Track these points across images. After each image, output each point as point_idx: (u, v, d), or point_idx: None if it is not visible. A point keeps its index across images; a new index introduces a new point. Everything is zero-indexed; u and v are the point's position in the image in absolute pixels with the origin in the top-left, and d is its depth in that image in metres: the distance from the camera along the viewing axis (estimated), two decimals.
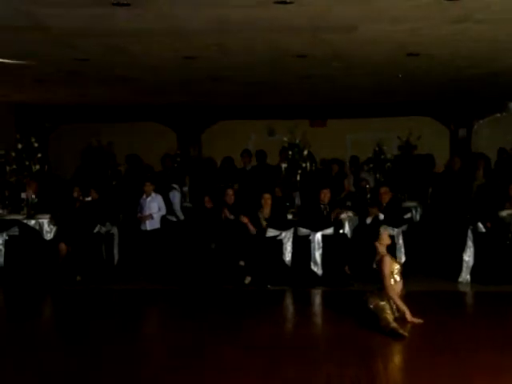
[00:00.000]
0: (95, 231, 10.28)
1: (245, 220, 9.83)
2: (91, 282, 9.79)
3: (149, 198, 10.43)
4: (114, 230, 10.69)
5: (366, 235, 9.99)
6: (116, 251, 10.68)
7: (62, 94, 12.70)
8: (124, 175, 12.76)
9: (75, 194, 10.37)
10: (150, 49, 8.73)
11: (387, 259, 7.58)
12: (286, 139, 11.23)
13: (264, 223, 9.87)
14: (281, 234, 9.87)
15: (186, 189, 11.89)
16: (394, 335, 6.74)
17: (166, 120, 14.75)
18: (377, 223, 10.04)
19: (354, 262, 9.89)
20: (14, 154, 11.07)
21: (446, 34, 8.14)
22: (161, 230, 10.45)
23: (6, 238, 10.15)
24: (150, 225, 10.36)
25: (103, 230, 10.43)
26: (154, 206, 10.41)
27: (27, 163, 10.94)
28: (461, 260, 9.74)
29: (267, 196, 10.09)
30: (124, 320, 7.83)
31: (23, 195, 10.43)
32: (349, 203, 10.82)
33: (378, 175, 11.91)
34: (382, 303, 7.30)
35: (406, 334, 6.79)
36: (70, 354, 6.31)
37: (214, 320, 7.78)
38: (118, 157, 13.22)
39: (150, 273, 10.09)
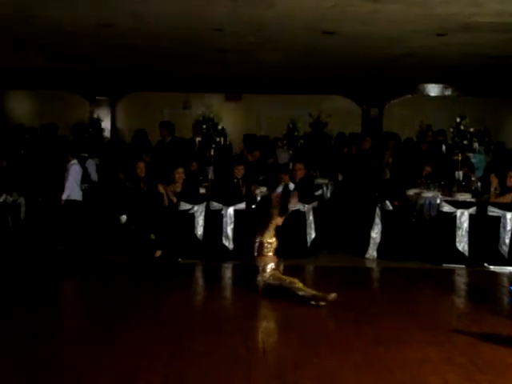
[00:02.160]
0: (1, 201, 10.00)
1: (162, 190, 9.76)
2: None
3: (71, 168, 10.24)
4: (21, 201, 10.41)
5: None
6: (23, 222, 10.41)
7: None
8: (36, 144, 12.39)
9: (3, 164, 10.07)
10: (64, 14, 8.49)
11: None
12: (200, 113, 11.18)
13: (174, 199, 9.81)
14: (193, 207, 9.85)
15: (95, 160, 11.65)
16: (318, 299, 7.00)
17: (80, 89, 14.38)
18: (287, 193, 10.18)
19: None
20: None
21: (361, 13, 8.27)
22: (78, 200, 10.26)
23: None
24: (66, 195, 10.15)
25: (9, 199, 10.15)
26: (73, 175, 10.23)
27: None
28: (368, 237, 10.00)
29: (180, 170, 10.04)
30: (31, 291, 7.65)
31: None
32: (261, 178, 10.91)
33: (291, 152, 12.03)
34: (282, 277, 7.44)
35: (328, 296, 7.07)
36: None
37: (123, 293, 7.72)
38: (27, 125, 12.85)
39: (66, 243, 9.93)
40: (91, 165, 10.99)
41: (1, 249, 9.76)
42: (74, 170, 10.13)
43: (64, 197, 10.02)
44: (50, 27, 9.30)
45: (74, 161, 10.18)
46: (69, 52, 11.37)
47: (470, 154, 11.12)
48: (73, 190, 10.08)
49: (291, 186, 10.25)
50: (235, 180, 10.10)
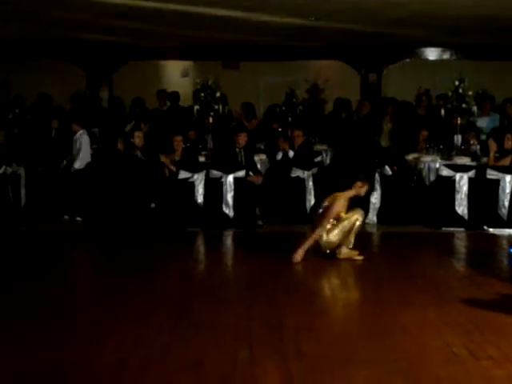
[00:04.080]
0: (0, 172, 10.03)
1: (163, 159, 9.77)
2: None
3: (75, 137, 10.25)
4: (21, 171, 10.43)
5: (277, 174, 10.19)
6: (23, 193, 10.44)
7: None
8: (32, 115, 12.35)
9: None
10: None
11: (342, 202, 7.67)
12: (198, 81, 11.13)
13: (174, 168, 9.82)
14: (193, 176, 9.87)
15: (95, 130, 11.65)
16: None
17: (75, 59, 14.28)
18: (286, 160, 10.21)
19: (265, 203, 10.02)
20: None
21: None
22: (87, 169, 10.30)
23: None
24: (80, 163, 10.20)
25: (9, 170, 10.18)
26: (80, 144, 10.25)
27: None
28: (368, 202, 10.03)
29: (179, 138, 10.04)
30: (35, 262, 7.70)
31: None
32: (261, 146, 10.92)
33: (290, 118, 11.99)
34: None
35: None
36: None
37: (125, 261, 7.76)
38: (25, 96, 12.79)
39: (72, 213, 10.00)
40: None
41: (2, 220, 9.81)
42: (85, 140, 10.20)
43: (77, 166, 10.09)
44: None
45: (82, 130, 10.25)
46: (62, 21, 11.27)
47: (478, 119, 11.11)
48: (86, 159, 10.17)
49: (291, 153, 10.27)
50: (237, 149, 10.07)
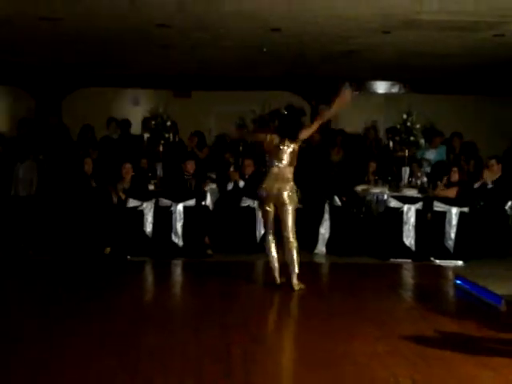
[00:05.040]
0: None
1: (111, 188, 9.68)
2: None
3: (22, 164, 10.13)
4: None
5: (227, 203, 10.19)
6: None
7: None
8: None
9: None
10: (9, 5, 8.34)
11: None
12: (148, 109, 11.10)
13: (123, 195, 9.74)
14: (142, 204, 9.78)
15: (41, 157, 11.46)
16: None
17: (24, 84, 14.10)
18: (237, 190, 10.22)
19: (214, 232, 9.99)
20: None
21: (307, 10, 8.32)
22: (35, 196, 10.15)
23: None
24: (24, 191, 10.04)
25: None
26: (27, 172, 10.12)
27: None
28: (317, 232, 10.08)
29: (128, 166, 9.97)
30: None
31: None
32: (212, 175, 10.90)
33: (241, 148, 12.01)
34: None
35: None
36: None
37: (72, 289, 7.62)
38: None
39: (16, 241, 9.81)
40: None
41: None
42: (30, 167, 10.07)
43: (21, 193, 9.96)
44: None
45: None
46: (10, 46, 11.14)
47: (426, 151, 11.31)
48: (31, 186, 10.04)
49: (241, 183, 10.28)
50: (186, 176, 10.06)
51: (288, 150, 7.68)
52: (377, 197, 10.12)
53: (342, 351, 5.42)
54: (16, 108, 13.37)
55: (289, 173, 7.68)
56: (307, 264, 9.45)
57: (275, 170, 7.68)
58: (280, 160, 7.67)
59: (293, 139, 7.68)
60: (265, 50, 10.80)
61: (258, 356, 5.28)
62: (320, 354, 5.38)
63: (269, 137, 7.74)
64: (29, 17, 8.83)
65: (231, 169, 10.54)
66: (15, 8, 8.42)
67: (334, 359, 5.24)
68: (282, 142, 7.69)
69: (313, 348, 5.56)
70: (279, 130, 7.80)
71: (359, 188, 10.48)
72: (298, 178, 11.04)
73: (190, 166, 10.10)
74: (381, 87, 14.72)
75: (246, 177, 10.35)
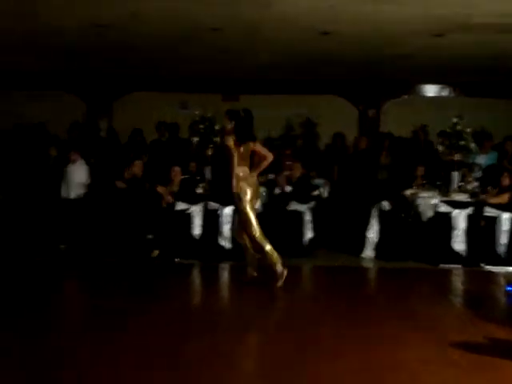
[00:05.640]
0: None
1: (160, 190, 9.77)
2: None
3: (72, 167, 10.24)
4: None
5: (274, 207, 10.19)
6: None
7: None
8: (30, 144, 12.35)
9: None
10: (60, 14, 8.49)
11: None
12: (197, 113, 11.17)
13: (171, 198, 9.82)
14: (190, 207, 9.85)
15: (92, 160, 11.65)
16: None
17: (75, 89, 14.35)
18: (284, 195, 10.22)
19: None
20: None
21: (358, 14, 8.28)
22: (84, 198, 10.31)
23: None
24: (73, 193, 10.18)
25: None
26: (78, 175, 10.24)
27: None
28: (364, 237, 10.03)
29: (177, 169, 10.06)
30: (32, 293, 7.65)
31: None
32: (262, 178, 10.89)
33: (287, 152, 12.00)
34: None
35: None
36: None
37: (120, 292, 7.71)
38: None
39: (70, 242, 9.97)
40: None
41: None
42: (83, 169, 10.22)
43: (73, 195, 10.10)
44: (45, 28, 9.29)
45: (81, 160, 10.31)
46: (64, 52, 11.36)
47: (477, 156, 11.15)
48: (82, 189, 10.19)
49: (288, 188, 10.25)
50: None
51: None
52: (426, 201, 9.98)
53: (392, 358, 5.36)
54: (68, 112, 13.58)
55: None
56: (354, 269, 9.44)
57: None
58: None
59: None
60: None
61: (308, 360, 5.24)
62: (371, 360, 5.32)
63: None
64: (82, 23, 8.99)
65: (286, 172, 10.48)
66: (70, 16, 8.58)
67: (383, 365, 5.19)
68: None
69: (363, 354, 5.49)
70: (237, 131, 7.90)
71: (408, 192, 10.38)
72: (345, 182, 11.04)
73: None
74: (430, 90, 14.55)
75: (294, 181, 10.34)
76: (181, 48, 10.77)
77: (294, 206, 10.12)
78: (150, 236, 9.67)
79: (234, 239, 9.75)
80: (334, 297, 7.50)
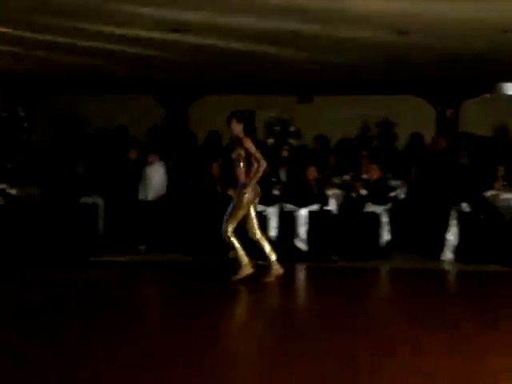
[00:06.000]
0: (81, 202, 10.32)
1: (232, 193, 9.84)
2: (76, 253, 9.82)
3: (151, 168, 10.46)
4: (100, 202, 10.69)
5: (351, 209, 10.14)
6: (101, 222, 10.68)
7: (49, 64, 12.56)
8: (110, 147, 12.67)
9: (80, 170, 10.42)
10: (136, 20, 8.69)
11: None
12: (273, 114, 11.23)
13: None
14: (266, 209, 9.90)
15: (170, 163, 11.85)
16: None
17: (154, 93, 14.63)
18: (361, 199, 10.14)
19: (339, 238, 9.96)
20: None
21: (436, 12, 8.15)
22: (162, 200, 10.51)
23: None
24: (154, 194, 10.38)
25: (89, 201, 10.46)
26: (156, 176, 10.45)
27: (13, 133, 10.88)
28: (444, 239, 9.84)
29: None
30: (117, 291, 7.83)
31: (8, 164, 10.40)
32: (336, 180, 10.87)
33: (363, 153, 11.92)
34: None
35: None
36: (54, 329, 6.28)
37: (194, 292, 7.81)
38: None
39: (149, 243, 10.17)
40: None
41: (80, 248, 10.03)
42: (161, 171, 10.43)
43: (151, 197, 10.30)
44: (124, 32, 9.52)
45: (159, 162, 10.52)
46: (146, 60, 11.61)
47: None
48: (161, 190, 10.38)
49: (363, 192, 10.15)
50: (309, 182, 10.09)
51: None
52: (508, 203, 9.73)
53: (472, 366, 5.13)
54: (147, 116, 13.86)
55: None
56: (433, 271, 9.28)
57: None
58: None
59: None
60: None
61: (386, 365, 5.16)
62: (448, 368, 5.14)
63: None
64: (160, 29, 9.16)
65: (363, 175, 10.41)
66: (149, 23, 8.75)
67: (464, 374, 5.00)
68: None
69: (440, 361, 5.34)
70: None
71: (489, 193, 10.13)
72: (424, 183, 10.85)
73: (310, 173, 10.13)
74: (511, 88, 14.16)
75: (372, 182, 10.24)
76: (255, 50, 10.85)
77: (371, 207, 10.04)
78: None
79: (310, 241, 9.76)
80: (412, 300, 7.38)
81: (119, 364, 4.99)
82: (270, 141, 11.31)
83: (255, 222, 8.15)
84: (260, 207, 9.84)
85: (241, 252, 8.01)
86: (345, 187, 10.49)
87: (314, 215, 9.83)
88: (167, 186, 10.77)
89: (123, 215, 10.63)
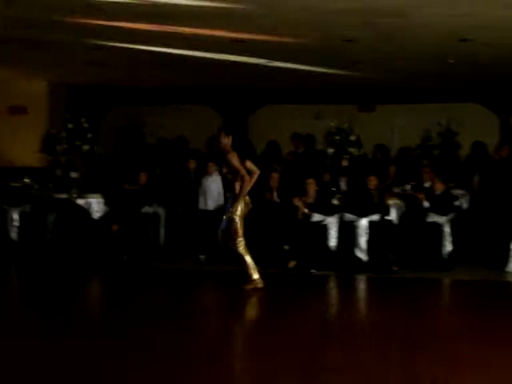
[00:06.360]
0: (142, 212, 10.47)
1: (297, 203, 9.84)
2: (138, 261, 9.96)
3: (210, 178, 10.58)
4: (161, 211, 10.83)
5: (412, 218, 10.00)
6: (162, 232, 10.81)
7: (113, 76, 12.85)
8: (170, 157, 12.82)
9: (142, 179, 10.60)
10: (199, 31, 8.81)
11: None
12: (333, 124, 11.18)
13: (307, 210, 9.86)
14: (326, 219, 9.86)
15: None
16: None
17: (213, 103, 14.78)
18: (422, 210, 9.99)
19: (400, 248, 9.83)
20: (64, 134, 11.27)
21: (499, 19, 8.01)
22: (222, 209, 10.58)
23: (56, 216, 10.36)
24: (214, 204, 10.50)
25: (150, 210, 10.60)
26: (215, 186, 10.56)
27: (77, 143, 11.12)
28: (508, 249, 9.62)
29: (310, 181, 10.09)
30: (172, 298, 7.92)
31: (73, 175, 10.62)
32: (397, 190, 10.74)
33: (425, 162, 11.76)
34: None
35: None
36: (118, 334, 6.37)
37: (257, 303, 7.82)
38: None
39: (209, 252, 10.27)
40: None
41: (142, 257, 10.17)
42: (219, 181, 10.53)
43: (210, 207, 10.41)
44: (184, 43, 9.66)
45: (218, 172, 10.64)
46: (204, 69, 11.75)
47: None
48: (218, 201, 10.47)
49: (426, 204, 9.99)
50: (370, 191, 10.01)
51: None
52: None
53: None
54: (207, 126, 13.99)
55: None
56: (497, 283, 9.06)
57: None
58: None
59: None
60: (451, 61, 10.51)
61: (450, 381, 5.05)
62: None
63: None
64: (220, 39, 9.27)
65: (426, 184, 10.23)
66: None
67: None
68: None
69: (506, 376, 5.21)
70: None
71: None
72: (486, 192, 10.60)
73: (372, 182, 10.05)
74: None
75: (435, 195, 10.07)
76: (314, 60, 10.86)
77: (433, 217, 9.88)
78: (287, 247, 9.76)
79: (370, 251, 9.67)
80: (475, 312, 7.22)
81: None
82: (330, 150, 11.25)
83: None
84: (319, 217, 9.82)
85: (252, 265, 8.18)
86: (406, 197, 10.36)
87: (374, 225, 9.74)
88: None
89: (184, 225, 10.74)
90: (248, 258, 8.19)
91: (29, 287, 8.84)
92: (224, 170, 8.47)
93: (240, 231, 8.16)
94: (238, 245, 8.17)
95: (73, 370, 5.06)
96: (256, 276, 8.18)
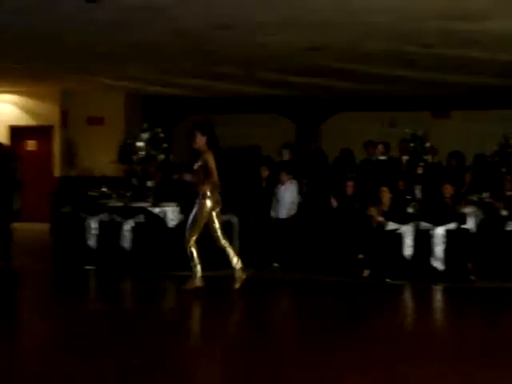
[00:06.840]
0: None
1: (372, 212, 9.75)
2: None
3: (283, 187, 10.61)
4: (234, 220, 10.90)
5: (490, 227, 9.76)
6: (236, 240, 10.86)
7: (187, 86, 13.06)
8: (242, 165, 12.89)
9: None
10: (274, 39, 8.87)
11: None
12: (407, 131, 11.05)
13: (382, 218, 9.76)
14: (400, 227, 9.73)
15: (304, 181, 11.89)
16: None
17: (286, 111, 14.83)
18: (500, 219, 9.74)
19: (477, 258, 9.60)
20: (140, 144, 11.47)
21: None
22: (295, 218, 10.62)
23: (133, 224, 10.56)
24: (286, 213, 10.53)
25: (224, 219, 10.66)
26: (288, 195, 10.58)
27: (153, 153, 11.31)
28: None
29: (384, 189, 9.98)
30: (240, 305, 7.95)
31: (149, 183, 10.82)
32: (474, 198, 10.50)
33: (503, 169, 11.47)
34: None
35: None
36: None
37: (331, 312, 7.78)
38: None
39: (282, 261, 10.30)
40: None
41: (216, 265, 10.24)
42: (293, 190, 10.55)
43: (283, 215, 10.43)
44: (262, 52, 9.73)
45: (291, 180, 10.66)
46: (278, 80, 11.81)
47: None
48: (292, 209, 10.49)
49: (504, 212, 9.73)
50: (446, 199, 9.83)
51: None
52: None
53: None
54: (280, 134, 14.06)
55: None
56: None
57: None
58: None
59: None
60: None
61: None
62: None
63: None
64: (297, 47, 9.30)
65: (508, 193, 9.97)
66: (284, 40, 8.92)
67: None
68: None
69: None
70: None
71: None
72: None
73: (447, 190, 9.88)
74: None
75: None
76: (389, 68, 10.77)
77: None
78: (361, 256, 9.67)
79: (447, 260, 9.49)
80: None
81: None
82: (405, 158, 11.10)
83: (219, 230, 8.47)
84: (394, 225, 9.70)
85: (197, 265, 8.30)
86: (483, 205, 10.11)
87: (451, 234, 9.55)
88: (300, 204, 10.82)
89: (257, 233, 10.78)
90: (196, 255, 8.32)
91: (106, 292, 9.06)
92: (195, 167, 8.48)
93: (197, 228, 8.30)
94: (189, 239, 8.29)
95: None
96: (199, 276, 8.32)
